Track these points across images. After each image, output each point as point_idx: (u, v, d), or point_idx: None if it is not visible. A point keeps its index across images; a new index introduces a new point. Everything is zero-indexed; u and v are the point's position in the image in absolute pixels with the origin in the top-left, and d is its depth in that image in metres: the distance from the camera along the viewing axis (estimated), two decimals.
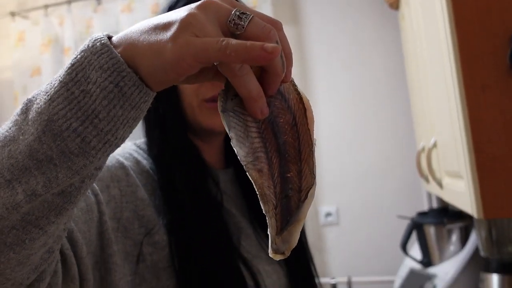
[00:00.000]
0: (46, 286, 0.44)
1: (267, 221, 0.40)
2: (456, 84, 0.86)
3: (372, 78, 2.16)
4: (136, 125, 0.38)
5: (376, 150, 2.14)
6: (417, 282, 1.68)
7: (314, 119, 0.41)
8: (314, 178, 0.41)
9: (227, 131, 0.39)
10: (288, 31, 1.69)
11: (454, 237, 1.68)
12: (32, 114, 0.36)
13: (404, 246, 1.75)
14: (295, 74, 1.78)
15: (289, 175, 0.40)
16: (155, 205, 0.64)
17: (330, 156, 2.15)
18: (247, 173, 0.39)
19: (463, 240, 1.67)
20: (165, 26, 0.36)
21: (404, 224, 1.80)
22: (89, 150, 0.36)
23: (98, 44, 0.36)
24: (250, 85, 0.36)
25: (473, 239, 1.63)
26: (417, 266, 1.74)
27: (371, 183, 2.13)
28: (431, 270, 1.67)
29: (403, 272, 1.81)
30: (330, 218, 2.15)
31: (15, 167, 0.36)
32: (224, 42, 0.34)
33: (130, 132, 0.38)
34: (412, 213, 1.87)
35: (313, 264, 0.79)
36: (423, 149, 1.45)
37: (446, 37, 0.91)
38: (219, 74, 0.39)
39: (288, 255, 0.39)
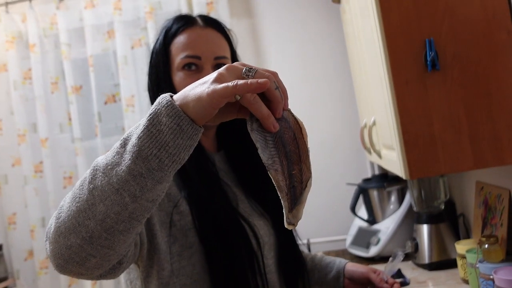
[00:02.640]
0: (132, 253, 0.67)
1: (282, 203, 0.60)
2: (386, 78, 1.13)
3: (321, 65, 2.40)
4: (192, 149, 0.58)
5: (326, 128, 2.40)
6: (365, 237, 1.97)
7: (307, 133, 0.63)
8: (311, 172, 0.62)
9: (255, 144, 0.60)
10: (243, 23, 1.87)
11: (393, 198, 1.99)
12: (128, 147, 0.57)
13: (353, 208, 2.04)
14: (251, 62, 1.99)
15: (293, 172, 0.60)
16: (176, 184, 0.87)
17: None
18: (268, 171, 0.60)
19: (400, 200, 1.97)
20: (204, 83, 0.57)
21: (352, 190, 2.07)
22: (164, 167, 0.56)
23: (164, 101, 0.57)
24: (262, 109, 0.57)
25: (408, 198, 1.93)
26: (364, 225, 2.02)
27: (323, 157, 2.39)
28: (376, 226, 1.96)
29: (353, 231, 2.09)
30: None
31: (120, 181, 0.57)
32: (235, 82, 0.55)
33: (189, 154, 0.58)
34: (358, 180, 2.14)
35: None
36: (365, 125, 1.68)
37: (378, 39, 1.16)
38: (242, 109, 0.60)
39: (297, 225, 0.60)
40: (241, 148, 1.05)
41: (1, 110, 2.59)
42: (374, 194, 2.01)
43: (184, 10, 2.35)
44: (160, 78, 0.99)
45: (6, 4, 2.50)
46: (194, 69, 0.97)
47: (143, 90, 2.46)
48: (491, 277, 1.16)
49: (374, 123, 1.50)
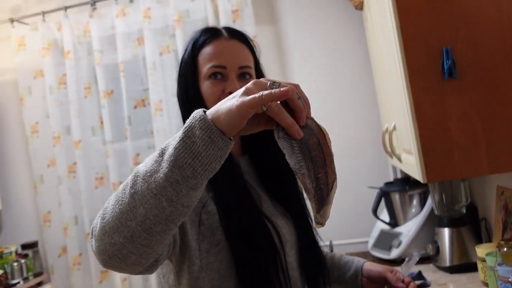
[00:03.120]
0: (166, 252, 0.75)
1: (310, 205, 0.65)
2: (405, 85, 1.17)
3: (345, 70, 2.44)
4: (223, 160, 0.63)
5: (350, 132, 2.44)
6: (387, 240, 2.00)
7: (330, 139, 0.67)
8: (335, 175, 0.66)
9: (282, 150, 0.64)
10: (268, 30, 1.94)
11: (415, 201, 2.01)
12: (166, 156, 0.63)
13: (375, 211, 2.07)
14: (276, 70, 2.10)
15: (319, 175, 0.65)
16: (205, 186, 0.94)
17: None
18: (296, 175, 0.64)
19: (422, 203, 2.00)
20: (233, 97, 0.63)
21: (374, 193, 2.11)
22: (197, 175, 0.62)
23: (198, 115, 0.63)
24: (287, 117, 0.63)
25: (429, 202, 1.95)
26: (386, 227, 2.05)
27: (345, 160, 2.42)
28: (397, 229, 1.99)
29: (375, 233, 2.12)
30: None
31: (158, 187, 0.63)
32: (260, 93, 0.61)
33: (220, 164, 0.63)
34: (380, 183, 2.17)
35: (311, 220, 1.11)
36: (386, 130, 1.72)
37: (396, 48, 1.20)
38: (269, 120, 0.66)
39: (325, 225, 0.64)
40: (264, 152, 1.11)
41: (38, 113, 2.72)
42: (396, 197, 2.04)
43: (211, 18, 2.43)
44: (189, 86, 1.06)
45: (43, 13, 2.63)
46: (220, 78, 1.03)
47: (171, 95, 2.55)
48: (510, 279, 1.19)
49: (394, 128, 1.53)
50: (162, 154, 0.65)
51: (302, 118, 0.64)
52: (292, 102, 0.63)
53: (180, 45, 2.46)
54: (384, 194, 2.06)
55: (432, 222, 1.86)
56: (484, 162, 1.11)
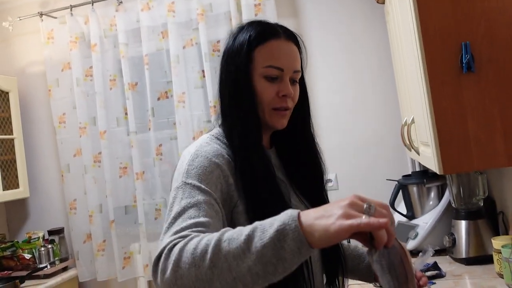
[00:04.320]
0: None
1: None
2: (423, 79, 1.20)
3: (366, 64, 2.47)
4: (298, 264, 0.68)
5: (368, 125, 2.47)
6: (404, 232, 2.02)
7: (408, 252, 0.74)
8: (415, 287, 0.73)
9: (375, 272, 0.72)
10: (289, 23, 2.00)
11: (432, 194, 2.04)
12: (253, 249, 0.68)
13: (392, 204, 2.10)
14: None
15: None
16: (236, 186, 0.98)
17: (330, 131, 2.48)
18: None
19: (440, 196, 2.02)
20: (330, 216, 0.67)
21: (392, 186, 2.13)
22: (276, 273, 0.68)
23: (293, 225, 0.67)
24: (383, 237, 0.66)
25: (447, 195, 1.97)
26: (403, 219, 2.08)
27: (364, 153, 2.46)
28: (414, 221, 2.01)
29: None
30: (330, 184, 2.50)
31: (239, 273, 0.69)
32: (359, 221, 0.64)
33: (296, 267, 0.68)
34: (398, 176, 2.19)
35: None
36: (405, 123, 1.74)
37: (416, 42, 1.23)
38: (359, 234, 0.68)
39: None
40: (291, 144, 1.14)
41: (65, 105, 2.81)
42: (413, 190, 2.06)
43: (233, 12, 2.47)
44: (240, 79, 1.04)
45: (71, 7, 2.71)
46: (276, 80, 1.04)
47: (193, 87, 2.61)
48: None
49: (412, 121, 1.56)
50: (247, 241, 0.69)
51: (392, 242, 0.69)
52: (387, 228, 0.67)
53: (203, 39, 2.51)
54: (402, 186, 2.08)
55: (449, 215, 1.88)
56: (502, 155, 1.13)
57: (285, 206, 0.95)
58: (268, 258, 0.67)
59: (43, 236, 2.77)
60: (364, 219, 0.66)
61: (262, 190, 0.99)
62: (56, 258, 2.73)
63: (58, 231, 2.82)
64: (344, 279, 1.21)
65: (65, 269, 2.78)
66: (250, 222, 0.96)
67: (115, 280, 2.74)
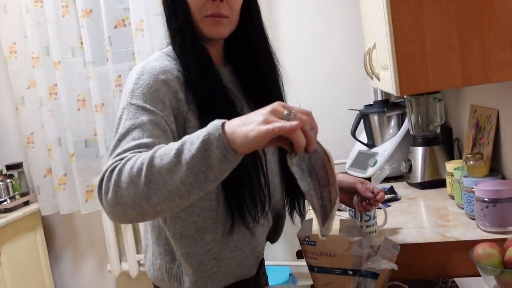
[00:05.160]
0: None
1: (316, 220, 0.76)
2: None
3: None
4: (231, 170, 0.72)
5: (332, 56, 2.43)
6: (364, 160, 2.06)
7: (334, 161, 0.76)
8: (338, 193, 0.75)
9: (294, 175, 0.74)
10: None
11: (393, 123, 2.06)
12: (183, 161, 0.71)
13: (353, 133, 2.13)
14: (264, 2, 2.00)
15: (324, 194, 0.74)
16: (185, 98, 0.95)
17: (295, 62, 2.43)
18: (305, 196, 0.74)
19: (399, 125, 2.04)
20: (250, 123, 0.69)
21: (354, 115, 2.15)
22: (208, 182, 0.72)
23: (216, 134, 0.70)
24: (301, 141, 0.69)
25: (406, 123, 2.00)
26: (364, 148, 2.11)
27: (328, 84, 2.44)
28: (374, 150, 2.05)
29: (353, 155, 2.18)
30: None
31: (173, 186, 0.72)
32: (274, 125, 0.67)
33: (228, 173, 0.73)
34: (361, 107, 2.20)
35: None
36: (368, 51, 1.73)
37: None
38: (280, 139, 0.71)
39: (328, 235, 0.75)
40: (247, 62, 1.10)
41: (15, 33, 2.64)
42: (374, 119, 2.08)
43: None
44: None
45: None
46: None
47: (152, 15, 2.48)
48: (473, 189, 1.26)
49: (374, 47, 1.54)
50: (178, 155, 0.72)
51: (312, 147, 0.72)
52: (305, 133, 0.70)
53: None
54: (364, 116, 2.10)
55: (408, 143, 1.91)
56: (458, 75, 1.13)
57: (235, 115, 0.94)
58: (197, 168, 0.71)
59: (1, 171, 2.69)
60: (279, 123, 0.68)
61: (212, 102, 0.97)
62: (16, 193, 2.68)
63: (17, 166, 2.75)
64: (306, 201, 1.23)
65: (26, 203, 2.75)
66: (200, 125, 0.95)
67: (79, 213, 2.73)
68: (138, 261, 2.69)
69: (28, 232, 2.69)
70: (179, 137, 0.95)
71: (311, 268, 1.01)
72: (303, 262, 1.04)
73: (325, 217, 0.75)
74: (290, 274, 2.44)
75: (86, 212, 2.69)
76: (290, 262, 2.50)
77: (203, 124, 0.96)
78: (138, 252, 2.69)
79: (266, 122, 0.69)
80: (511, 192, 1.18)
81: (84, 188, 2.67)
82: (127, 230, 2.65)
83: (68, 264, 2.94)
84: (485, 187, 1.20)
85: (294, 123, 0.68)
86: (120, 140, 0.86)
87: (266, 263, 1.37)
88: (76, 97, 2.65)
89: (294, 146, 0.71)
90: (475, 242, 1.05)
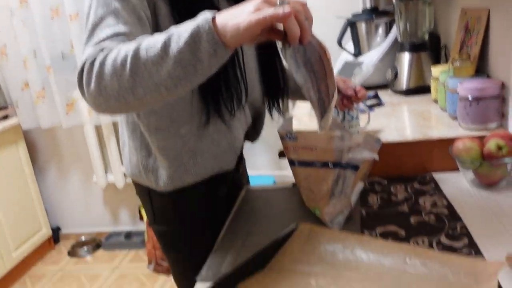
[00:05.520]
0: None
1: (314, 114, 0.74)
2: None
3: None
4: (218, 65, 0.69)
5: None
6: (350, 69, 2.01)
7: (330, 54, 0.72)
8: (335, 87, 0.72)
9: (289, 68, 0.71)
10: None
11: (380, 31, 1.99)
12: (170, 54, 0.68)
13: (340, 42, 2.06)
14: None
15: (321, 87, 0.72)
16: None
17: None
18: (301, 90, 0.73)
19: (387, 33, 1.99)
20: (241, 14, 0.65)
21: (342, 24, 2.07)
22: (197, 74, 0.69)
23: (207, 26, 0.66)
24: (296, 32, 0.66)
25: (394, 31, 1.93)
26: (351, 58, 2.05)
27: None
28: (361, 59, 2.00)
29: (339, 65, 2.13)
30: None
31: (159, 78, 0.69)
32: (265, 13, 0.63)
33: (217, 69, 0.70)
34: (349, 15, 2.11)
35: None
36: None
37: None
38: (272, 32, 0.70)
39: (328, 128, 0.74)
40: None
41: None
42: (362, 27, 2.00)
43: None
44: None
45: None
46: None
47: None
48: (457, 89, 1.24)
49: None
50: (165, 48, 0.68)
51: (307, 37, 0.68)
52: (300, 22, 0.66)
53: None
54: (351, 24, 2.02)
55: (395, 52, 1.87)
56: None
57: (210, 6, 0.88)
58: (186, 61, 0.68)
59: None
60: (271, 10, 0.65)
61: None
62: None
63: None
64: (286, 99, 1.20)
65: (5, 117, 2.69)
66: (175, 22, 0.89)
67: (61, 128, 2.70)
68: (124, 173, 2.71)
69: (10, 145, 2.65)
70: (151, 25, 0.90)
71: (292, 162, 1.01)
72: (286, 171, 1.03)
73: (323, 111, 0.74)
74: (274, 183, 2.49)
75: (67, 126, 2.65)
76: (273, 171, 2.54)
77: (174, 11, 0.91)
78: (123, 164, 2.70)
79: (257, 11, 0.65)
80: (494, 90, 1.17)
81: (64, 101, 2.61)
82: (111, 142, 2.64)
83: (53, 177, 2.96)
84: (469, 86, 1.19)
85: (287, 9, 0.64)
86: (94, 29, 0.81)
87: (249, 172, 1.37)
88: (49, 6, 2.50)
89: (288, 37, 0.67)
90: (456, 140, 1.05)
